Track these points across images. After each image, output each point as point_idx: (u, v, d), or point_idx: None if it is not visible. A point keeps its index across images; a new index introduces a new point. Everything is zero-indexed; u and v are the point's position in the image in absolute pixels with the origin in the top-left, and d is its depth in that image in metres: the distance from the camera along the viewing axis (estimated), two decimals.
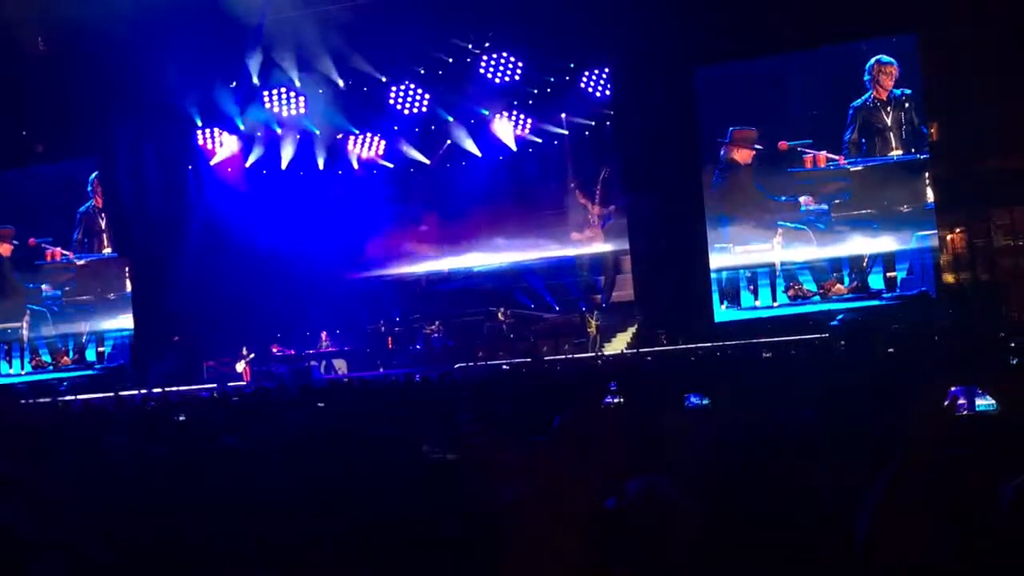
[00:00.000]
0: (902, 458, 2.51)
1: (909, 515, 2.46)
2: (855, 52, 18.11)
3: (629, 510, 2.51)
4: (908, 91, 17.74)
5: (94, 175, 21.95)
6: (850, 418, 4.09)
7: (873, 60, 17.87)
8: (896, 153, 17.84)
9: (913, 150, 17.77)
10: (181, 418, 8.25)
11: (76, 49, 19.01)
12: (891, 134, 17.88)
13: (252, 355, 20.52)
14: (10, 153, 22.04)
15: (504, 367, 11.60)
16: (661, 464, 3.65)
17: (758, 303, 18.43)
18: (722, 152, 18.51)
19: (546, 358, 17.61)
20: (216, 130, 22.03)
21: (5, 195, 22.78)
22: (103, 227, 22.13)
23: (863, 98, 17.96)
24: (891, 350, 8.88)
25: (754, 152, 18.35)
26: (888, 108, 17.90)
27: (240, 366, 20.36)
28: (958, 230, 18.02)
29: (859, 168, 18.02)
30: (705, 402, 4.73)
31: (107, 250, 22.10)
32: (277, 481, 3.36)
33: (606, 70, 20.32)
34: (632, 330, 19.80)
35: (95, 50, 18.55)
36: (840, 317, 16.82)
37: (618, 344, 19.57)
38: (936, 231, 17.54)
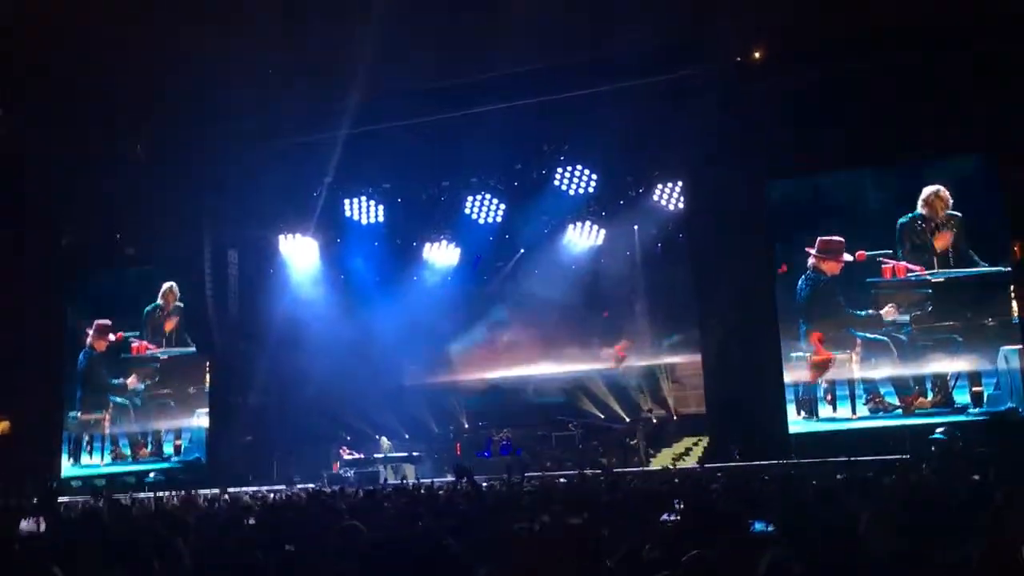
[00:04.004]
0: None
1: None
2: (932, 166, 18.01)
3: None
4: (959, 214, 17.53)
5: (168, 284, 23.03)
6: (928, 555, 3.90)
7: (929, 191, 17.75)
8: (979, 268, 17.42)
9: (995, 264, 17.34)
10: (251, 522, 8.26)
11: (170, 156, 20.10)
12: (951, 251, 17.58)
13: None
14: (104, 254, 23.27)
15: (561, 479, 11.36)
16: None
17: (836, 414, 17.91)
18: (810, 261, 18.33)
19: (615, 469, 17.29)
20: (297, 235, 22.79)
21: (99, 290, 23.93)
22: (167, 327, 23.06)
23: (911, 216, 17.82)
24: (976, 477, 8.39)
25: (842, 264, 18.12)
26: (937, 228, 17.67)
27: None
28: None
29: (941, 280, 17.62)
30: (770, 529, 4.55)
31: (191, 348, 22.84)
32: None
33: (679, 183, 20.48)
34: (690, 441, 19.48)
35: (187, 157, 19.65)
36: (941, 431, 16.27)
37: (667, 456, 19.14)
38: (1022, 346, 16.92)
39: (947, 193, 17.69)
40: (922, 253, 17.76)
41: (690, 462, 18.75)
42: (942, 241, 17.65)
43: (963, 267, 17.48)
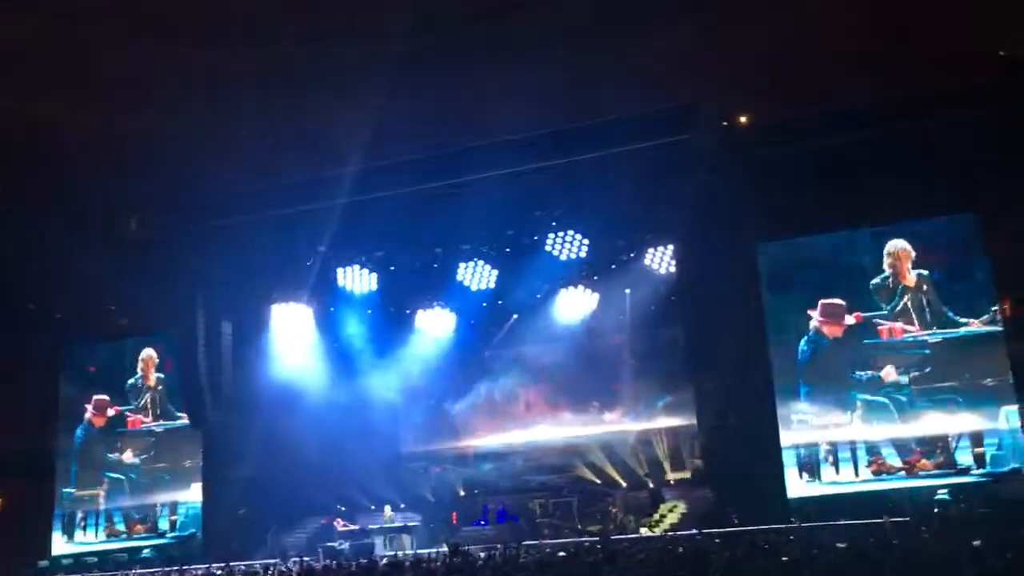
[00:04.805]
0: None
1: None
2: (917, 227, 18.12)
3: None
4: (925, 272, 17.71)
5: (146, 352, 23.11)
6: None
7: (891, 246, 17.96)
8: (968, 327, 17.37)
9: (986, 323, 17.30)
10: None
11: (165, 230, 20.25)
12: (927, 309, 17.60)
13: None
14: (98, 327, 23.26)
15: (560, 553, 11.18)
16: None
17: (839, 477, 17.68)
18: (812, 324, 18.30)
19: (613, 536, 17.06)
20: (291, 304, 22.76)
21: (95, 363, 23.84)
22: (149, 395, 23.04)
23: (882, 277, 17.95)
24: (976, 543, 8.17)
25: (844, 327, 18.08)
26: (904, 283, 17.78)
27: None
28: None
29: (938, 340, 17.55)
30: None
31: (184, 421, 22.62)
32: None
33: (670, 246, 20.55)
34: (665, 508, 19.31)
35: (180, 228, 19.79)
36: (944, 492, 16.15)
37: (671, 519, 18.93)
38: (1019, 405, 16.78)
39: (908, 246, 17.90)
40: (894, 309, 17.81)
41: (659, 530, 18.43)
42: (913, 298, 17.70)
43: (944, 325, 17.47)
